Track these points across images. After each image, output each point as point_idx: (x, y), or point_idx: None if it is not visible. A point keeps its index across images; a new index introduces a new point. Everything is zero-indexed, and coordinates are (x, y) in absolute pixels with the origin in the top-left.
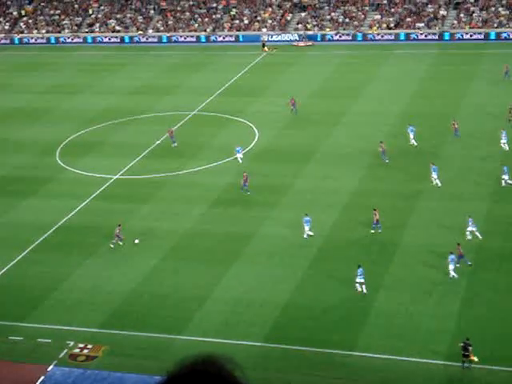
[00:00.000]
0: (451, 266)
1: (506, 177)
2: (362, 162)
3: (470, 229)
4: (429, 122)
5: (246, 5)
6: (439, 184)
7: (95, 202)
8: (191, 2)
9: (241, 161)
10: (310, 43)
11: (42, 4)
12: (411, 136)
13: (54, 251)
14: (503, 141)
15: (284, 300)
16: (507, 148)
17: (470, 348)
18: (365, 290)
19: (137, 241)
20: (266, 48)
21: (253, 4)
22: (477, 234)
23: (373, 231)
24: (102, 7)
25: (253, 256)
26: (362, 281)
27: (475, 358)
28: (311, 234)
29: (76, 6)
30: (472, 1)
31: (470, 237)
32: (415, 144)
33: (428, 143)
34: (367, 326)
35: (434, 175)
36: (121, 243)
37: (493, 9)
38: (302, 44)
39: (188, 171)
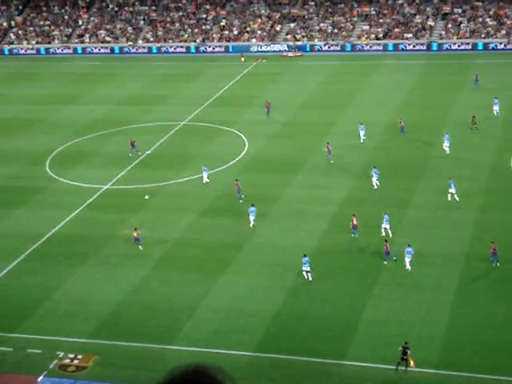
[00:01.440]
0: (407, 259)
1: (452, 191)
2: (351, 172)
3: (383, 226)
4: (417, 132)
5: (236, 16)
6: (376, 186)
7: (85, 212)
8: (181, 13)
9: (205, 182)
10: (299, 54)
11: (32, 15)
12: (446, 144)
13: (43, 261)
14: (446, 144)
15: (275, 309)
16: (448, 151)
17: (409, 352)
18: (310, 278)
19: (147, 197)
20: (243, 58)
21: (242, 15)
22: (389, 231)
23: (353, 235)
24: (92, 18)
25: (243, 265)
26: (308, 269)
27: (412, 363)
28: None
29: (66, 16)
30: (460, 12)
31: (384, 233)
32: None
33: (415, 154)
34: (358, 334)
35: (374, 178)
36: (141, 247)
37: (480, 19)
38: (291, 54)
39: (178, 181)
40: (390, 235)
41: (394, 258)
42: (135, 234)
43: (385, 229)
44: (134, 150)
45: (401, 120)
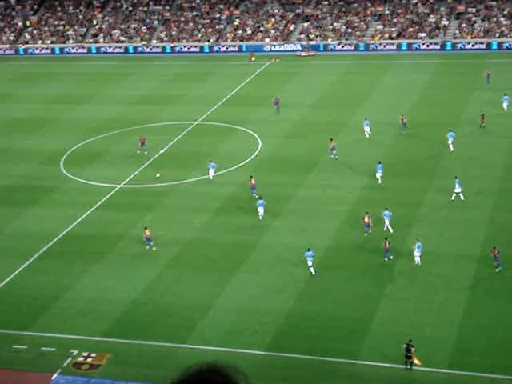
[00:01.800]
0: (417, 253)
1: (458, 190)
2: (363, 171)
3: (386, 222)
4: (429, 131)
5: (249, 15)
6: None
7: (99, 211)
8: (194, 13)
9: (211, 177)
10: (312, 53)
11: (47, 15)
12: (450, 141)
13: (57, 260)
14: (450, 141)
15: (287, 309)
16: (452, 148)
17: (413, 349)
18: (314, 272)
19: (158, 174)
20: (253, 58)
21: (256, 14)
22: (389, 227)
23: (366, 234)
24: (107, 18)
25: (256, 265)
26: (311, 263)
27: (417, 361)
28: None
29: (80, 16)
30: (474, 11)
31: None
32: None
33: (428, 153)
34: (370, 334)
35: (378, 174)
36: (154, 248)
37: (494, 19)
38: (304, 54)
39: (191, 180)
40: (391, 231)
41: (391, 258)
42: (147, 233)
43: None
44: (143, 148)
45: (403, 117)
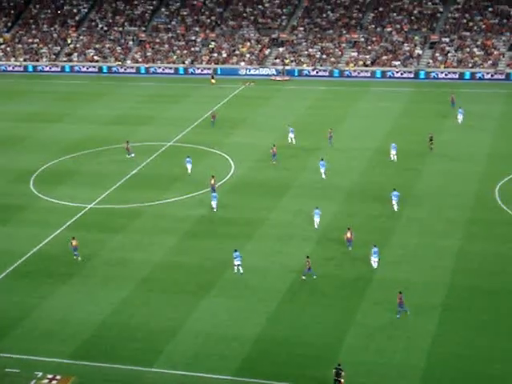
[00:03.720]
0: (374, 259)
1: (394, 202)
2: (336, 197)
3: (373, 259)
4: (402, 158)
5: (225, 39)
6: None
7: (68, 231)
8: (170, 35)
9: (190, 173)
10: (287, 78)
11: (21, 32)
12: (393, 152)
13: (25, 280)
14: (393, 152)
15: (256, 333)
16: (394, 159)
17: (342, 373)
18: (241, 271)
19: (133, 154)
20: (213, 80)
21: (231, 38)
22: (377, 264)
23: (349, 248)
24: (81, 37)
25: (225, 289)
26: (239, 263)
27: None
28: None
29: (55, 34)
30: (447, 41)
31: (374, 266)
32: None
33: (400, 180)
34: (339, 361)
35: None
36: (79, 258)
37: (468, 49)
38: (279, 78)
39: (162, 202)
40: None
41: (314, 277)
42: (74, 243)
43: (374, 262)
44: (130, 155)
45: (331, 130)
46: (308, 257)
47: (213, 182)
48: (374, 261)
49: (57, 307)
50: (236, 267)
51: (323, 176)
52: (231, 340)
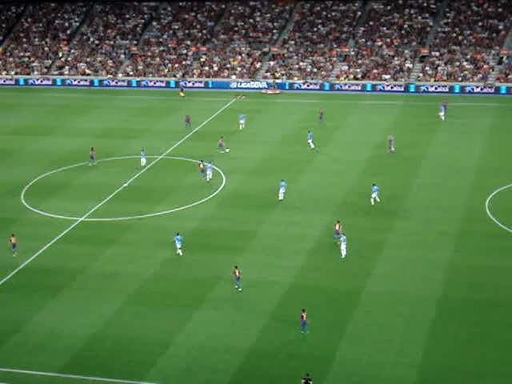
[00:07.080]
0: (343, 246)
1: (374, 195)
2: (327, 209)
3: (373, 196)
4: (393, 172)
5: (216, 52)
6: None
7: (59, 244)
8: (161, 48)
9: (143, 163)
10: (278, 91)
11: (12, 46)
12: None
13: (15, 293)
14: (309, 140)
15: (248, 346)
16: (313, 146)
17: (311, 383)
18: (181, 253)
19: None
20: (182, 93)
21: (222, 52)
22: (377, 199)
23: (334, 240)
24: (73, 50)
25: (218, 301)
26: (179, 246)
27: None
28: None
29: (46, 48)
30: (437, 55)
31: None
32: (378, 201)
33: (390, 193)
34: (330, 374)
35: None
36: (14, 255)
37: (457, 63)
38: (270, 92)
39: (154, 215)
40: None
41: (240, 289)
42: (13, 241)
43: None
44: (92, 163)
45: (322, 110)
46: (236, 267)
47: (202, 166)
48: (343, 249)
49: (48, 320)
50: (179, 250)
51: (280, 197)
52: (224, 353)
